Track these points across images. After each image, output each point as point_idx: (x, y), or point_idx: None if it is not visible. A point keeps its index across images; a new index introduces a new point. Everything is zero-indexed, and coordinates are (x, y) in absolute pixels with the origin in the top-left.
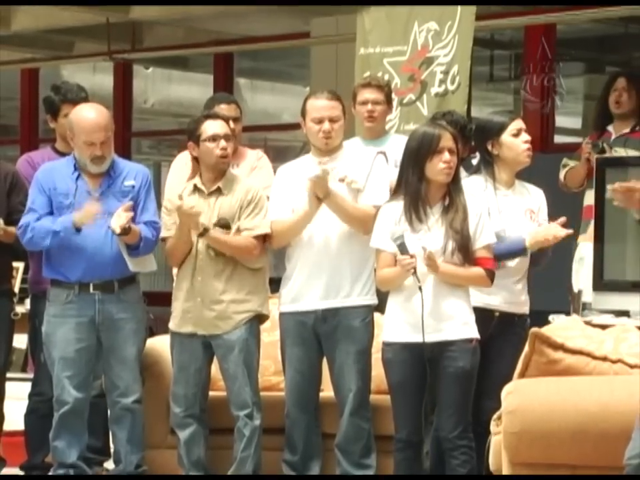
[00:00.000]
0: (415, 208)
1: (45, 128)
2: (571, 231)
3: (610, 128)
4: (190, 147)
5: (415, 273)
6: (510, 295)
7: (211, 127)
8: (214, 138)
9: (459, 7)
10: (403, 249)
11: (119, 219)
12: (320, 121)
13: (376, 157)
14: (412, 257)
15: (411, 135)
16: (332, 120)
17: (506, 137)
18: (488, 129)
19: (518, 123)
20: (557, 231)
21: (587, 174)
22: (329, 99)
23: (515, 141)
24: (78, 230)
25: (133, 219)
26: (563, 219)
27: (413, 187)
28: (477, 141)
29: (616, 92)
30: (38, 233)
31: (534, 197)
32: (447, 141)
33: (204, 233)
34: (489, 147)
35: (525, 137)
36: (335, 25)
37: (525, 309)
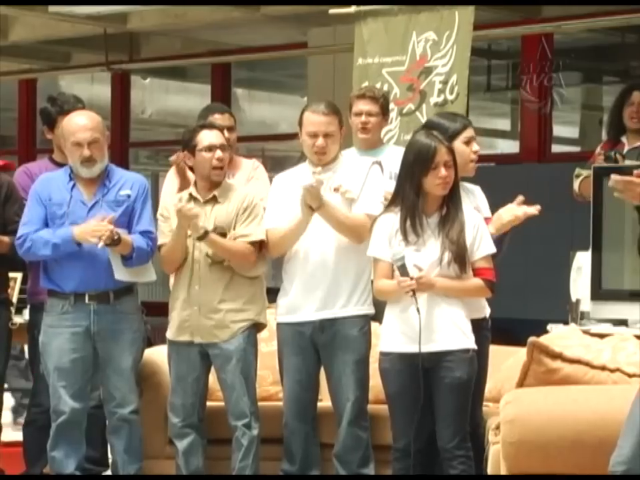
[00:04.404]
0: (412, 221)
1: (43, 138)
2: (533, 210)
3: (623, 139)
4: (185, 157)
5: (413, 294)
6: (472, 303)
7: (207, 137)
8: (210, 148)
9: (457, 17)
10: (403, 270)
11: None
12: (314, 136)
13: (371, 166)
14: (412, 278)
15: (408, 147)
16: (326, 135)
17: (458, 143)
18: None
19: (470, 131)
20: (518, 209)
21: None
22: (325, 113)
23: (465, 150)
24: (79, 244)
25: (129, 229)
26: (520, 198)
27: (410, 200)
28: None
29: (632, 106)
30: (36, 243)
31: (477, 195)
32: (442, 155)
33: (204, 236)
34: None
35: (475, 146)
36: (332, 35)
37: (487, 311)
